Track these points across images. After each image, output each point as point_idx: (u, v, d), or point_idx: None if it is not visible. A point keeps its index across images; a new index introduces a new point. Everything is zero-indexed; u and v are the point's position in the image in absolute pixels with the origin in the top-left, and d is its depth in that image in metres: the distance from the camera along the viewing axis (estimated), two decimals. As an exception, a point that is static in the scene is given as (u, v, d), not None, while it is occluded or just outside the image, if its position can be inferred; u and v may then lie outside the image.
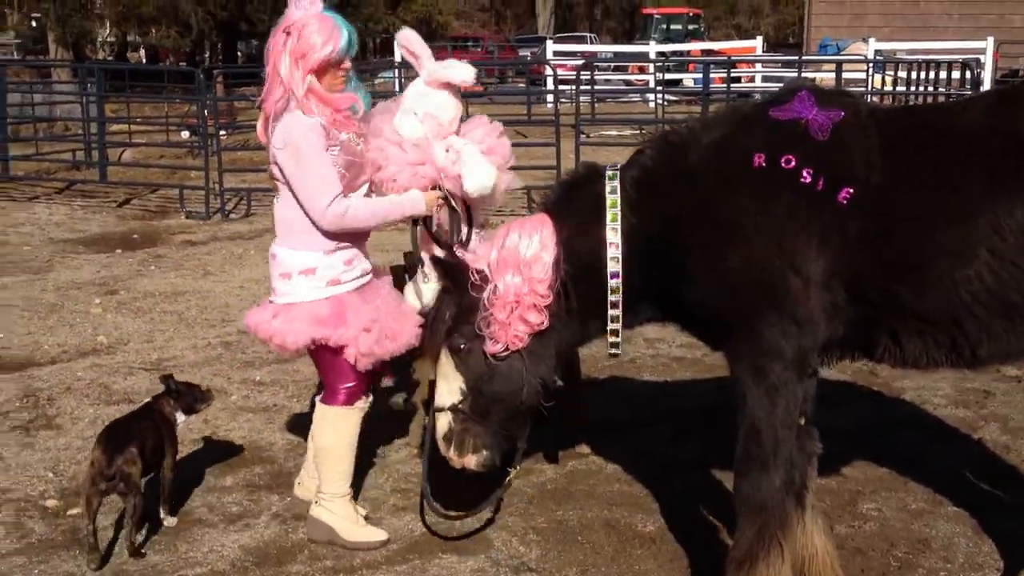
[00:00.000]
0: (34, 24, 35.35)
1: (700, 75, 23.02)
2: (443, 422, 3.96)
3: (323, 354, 4.24)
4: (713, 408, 5.90)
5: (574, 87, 17.24)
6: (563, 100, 16.25)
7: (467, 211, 4.37)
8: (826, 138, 3.48)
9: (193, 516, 4.68)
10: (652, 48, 28.90)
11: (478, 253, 3.92)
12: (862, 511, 4.67)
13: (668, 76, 24.76)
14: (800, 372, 3.54)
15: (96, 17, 31.56)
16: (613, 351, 3.90)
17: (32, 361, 6.92)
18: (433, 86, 4.34)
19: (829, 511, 4.61)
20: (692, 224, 3.58)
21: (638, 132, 20.37)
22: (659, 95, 20.99)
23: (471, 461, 3.95)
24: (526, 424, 4.06)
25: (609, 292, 3.74)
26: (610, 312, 3.77)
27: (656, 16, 38.50)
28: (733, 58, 23.13)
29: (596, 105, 19.97)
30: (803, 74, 17.13)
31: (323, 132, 4.03)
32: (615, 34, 54.48)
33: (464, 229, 4.37)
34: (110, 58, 33.04)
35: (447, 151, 4.27)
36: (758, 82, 25.87)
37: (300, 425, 5.65)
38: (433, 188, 4.27)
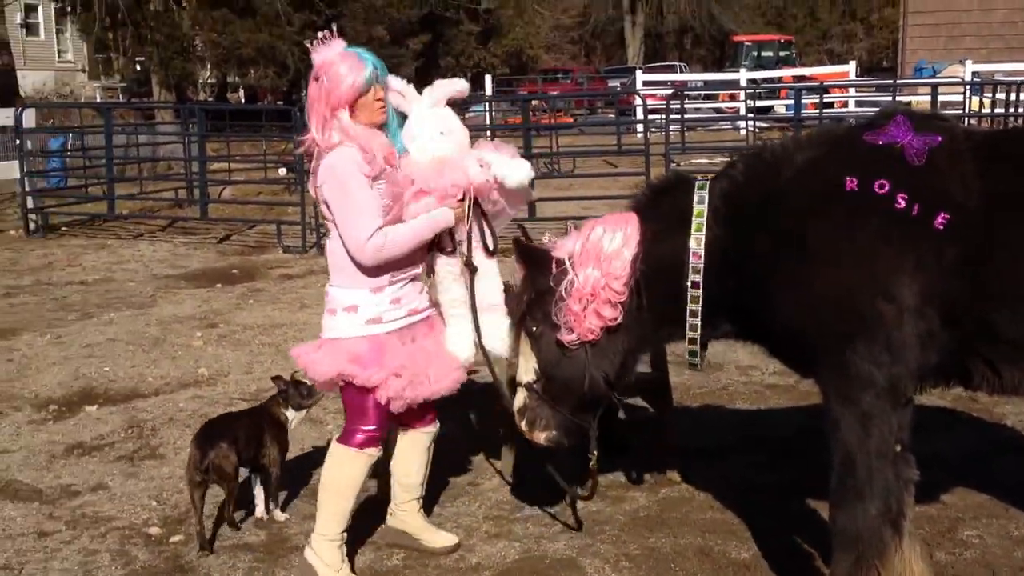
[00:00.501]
0: (138, 67, 36.69)
1: (792, 101, 22.84)
2: (520, 397, 4.25)
3: (350, 392, 4.26)
4: (807, 435, 5.81)
5: (664, 116, 17.24)
6: (653, 129, 16.24)
7: (487, 220, 4.43)
8: (922, 163, 3.44)
9: (290, 543, 4.77)
10: (743, 75, 28.72)
11: (562, 244, 4.02)
12: (963, 538, 4.55)
13: (759, 103, 24.58)
14: (894, 400, 3.48)
15: (197, 60, 32.65)
16: (692, 360, 3.97)
17: (136, 393, 7.15)
18: (439, 104, 4.42)
19: (928, 538, 4.50)
20: (779, 244, 3.56)
21: (729, 160, 20.27)
22: (750, 122, 20.84)
23: (540, 437, 4.23)
24: (595, 414, 4.22)
25: (689, 300, 3.77)
26: (689, 320, 3.80)
27: (747, 44, 38.28)
28: (826, 83, 22.83)
29: (686, 133, 19.91)
30: (898, 98, 16.81)
31: (365, 163, 4.05)
32: (705, 63, 54.27)
33: (488, 236, 4.41)
34: (210, 99, 34.11)
35: (480, 165, 4.29)
36: (851, 107, 25.48)
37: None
38: (460, 201, 4.28)
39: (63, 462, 5.89)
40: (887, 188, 3.42)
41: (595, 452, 4.34)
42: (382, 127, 4.19)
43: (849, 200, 3.45)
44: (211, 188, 15.89)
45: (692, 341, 3.87)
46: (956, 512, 4.79)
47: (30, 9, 42.06)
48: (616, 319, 3.86)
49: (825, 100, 20.84)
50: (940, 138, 3.49)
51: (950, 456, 5.37)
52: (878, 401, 3.45)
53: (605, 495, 5.15)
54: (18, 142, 15.10)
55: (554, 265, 3.95)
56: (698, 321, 3.80)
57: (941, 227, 3.36)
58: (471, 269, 4.35)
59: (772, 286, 3.58)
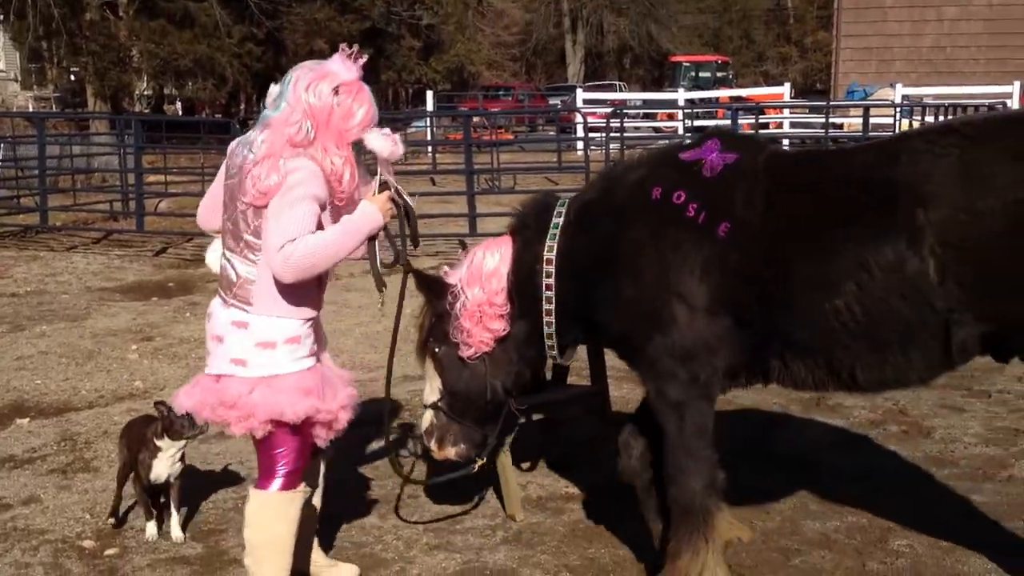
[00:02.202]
0: (72, 78, 36.12)
1: (728, 121, 23.17)
2: (427, 417, 4.54)
3: (280, 433, 3.83)
4: (741, 447, 5.91)
5: (604, 134, 17.40)
6: (593, 147, 16.39)
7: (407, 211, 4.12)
8: (714, 176, 3.80)
9: (228, 556, 4.73)
10: (681, 95, 29.09)
11: (454, 271, 4.39)
12: (894, 547, 4.65)
13: (697, 123, 24.91)
14: (702, 391, 3.87)
15: (133, 71, 32.21)
16: (551, 355, 4.34)
17: (70, 406, 7.04)
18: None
19: (860, 547, 4.60)
20: (602, 252, 3.98)
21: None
22: (688, 141, 21.12)
23: (450, 453, 4.53)
24: (497, 421, 4.54)
25: (544, 301, 4.18)
26: (544, 319, 4.21)
27: (684, 64, 38.82)
28: (761, 104, 23.23)
29: (626, 152, 20.11)
30: (831, 119, 17.17)
31: (325, 186, 3.75)
32: (644, 82, 54.86)
33: (407, 227, 4.12)
34: (147, 111, 33.67)
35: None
36: (786, 128, 25.97)
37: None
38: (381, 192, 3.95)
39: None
40: (683, 198, 3.79)
41: (483, 458, 4.65)
42: None
43: (653, 210, 3.85)
44: (147, 200, 15.70)
45: (549, 336, 4.26)
46: (887, 522, 4.89)
47: (-39, 16, 41.22)
48: (504, 329, 4.29)
49: (760, 120, 21.19)
50: (738, 156, 3.83)
51: (881, 467, 5.50)
52: (685, 392, 3.84)
53: (544, 506, 5.19)
54: (-52, 151, 14.81)
55: (448, 290, 4.34)
56: (552, 319, 4.20)
57: (723, 235, 3.70)
58: (407, 269, 4.15)
59: (597, 291, 4.01)
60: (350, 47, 3.86)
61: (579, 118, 18.11)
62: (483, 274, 4.25)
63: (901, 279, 3.51)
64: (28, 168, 16.98)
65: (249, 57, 32.38)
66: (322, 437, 3.95)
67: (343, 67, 3.79)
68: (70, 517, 5.18)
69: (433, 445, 4.53)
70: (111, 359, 8.22)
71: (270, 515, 3.93)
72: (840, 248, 3.58)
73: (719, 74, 37.85)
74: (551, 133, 28.29)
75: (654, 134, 28.09)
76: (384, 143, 3.84)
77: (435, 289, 4.38)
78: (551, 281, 4.14)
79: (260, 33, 33.00)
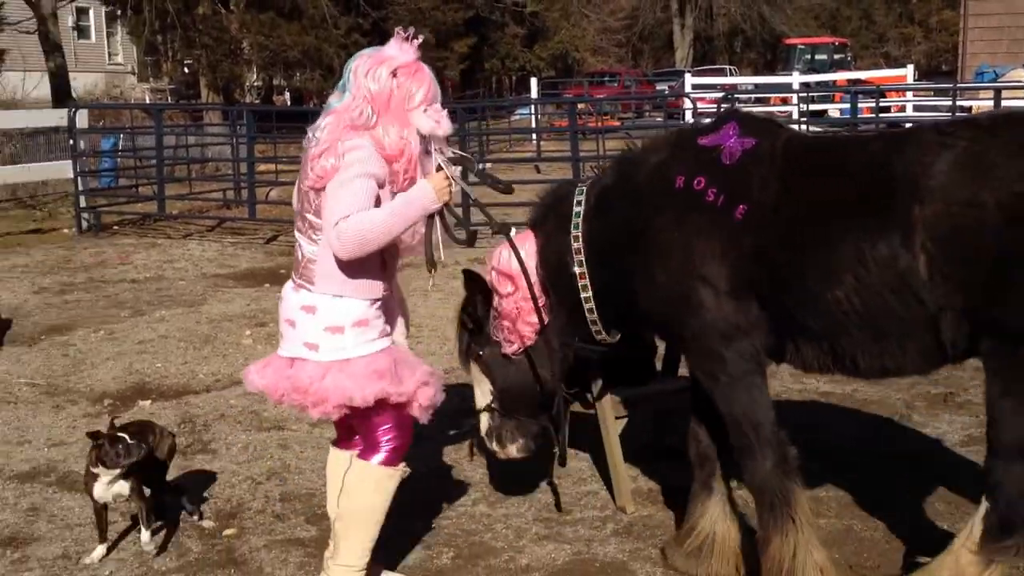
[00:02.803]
0: (186, 70, 37.12)
1: (846, 105, 22.54)
2: (484, 421, 4.62)
3: (377, 410, 3.88)
4: (863, 445, 5.74)
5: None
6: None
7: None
8: (733, 163, 3.84)
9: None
10: (795, 79, 28.43)
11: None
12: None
13: (812, 107, 24.32)
14: (751, 368, 3.86)
15: (244, 62, 32.94)
16: (599, 338, 4.38)
17: (188, 389, 7.21)
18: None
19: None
20: (632, 240, 4.01)
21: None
22: (802, 126, 20.64)
23: (511, 451, 4.60)
24: (553, 411, 4.54)
25: (580, 289, 4.23)
26: (584, 305, 4.26)
27: (800, 46, 37.76)
28: (882, 87, 22.53)
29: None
30: (958, 102, 16.57)
31: (383, 167, 3.76)
32: (756, 66, 53.90)
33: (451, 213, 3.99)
34: (256, 101, 34.39)
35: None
36: (909, 111, 25.16)
37: (443, 454, 5.73)
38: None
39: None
40: (703, 184, 3.84)
41: (559, 445, 4.61)
42: None
43: (676, 196, 3.90)
44: (259, 189, 16.02)
45: (593, 323, 4.31)
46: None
47: (81, 12, 42.69)
48: (543, 321, 4.35)
49: (881, 104, 20.56)
50: (755, 141, 3.86)
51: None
52: (732, 370, 3.84)
53: (655, 499, 5.11)
54: (71, 142, 15.31)
55: (487, 291, 4.45)
56: (592, 305, 4.25)
57: (740, 217, 3.75)
58: (430, 266, 3.89)
59: (628, 278, 4.05)
60: (404, 31, 3.87)
61: (688, 103, 17.82)
62: (513, 272, 4.29)
63: (894, 274, 3.54)
64: (146, 158, 17.49)
65: (355, 48, 32.52)
66: (418, 415, 3.96)
67: (400, 50, 3.84)
68: (189, 497, 5.28)
69: (495, 447, 4.62)
70: (227, 344, 8.40)
71: (369, 486, 3.97)
72: (843, 239, 3.61)
73: (836, 56, 36.71)
74: (658, 119, 27.96)
75: (765, 119, 27.59)
76: (425, 121, 3.79)
77: (478, 289, 4.48)
78: (583, 270, 4.21)
79: (366, 24, 33.38)
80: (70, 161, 15.28)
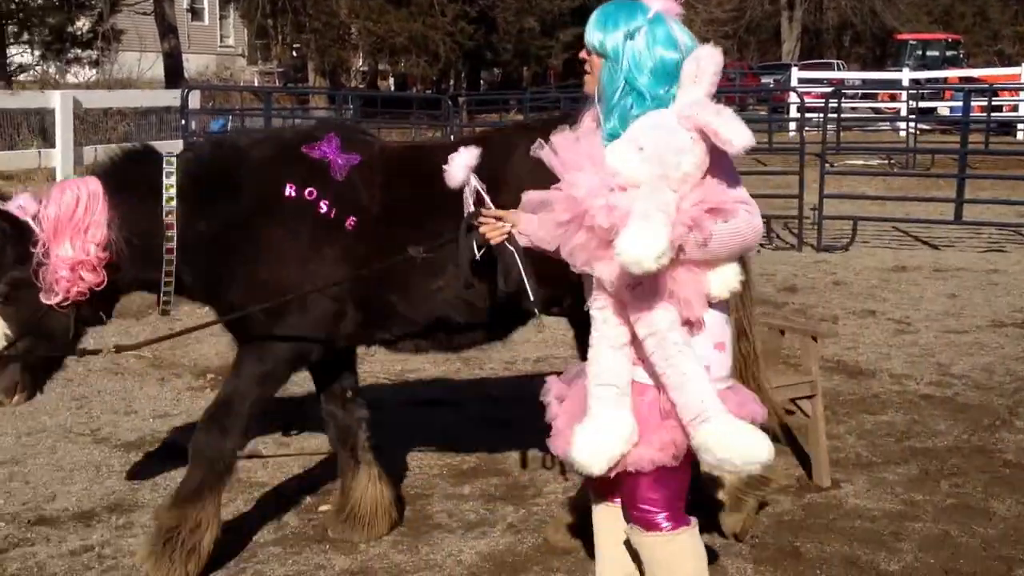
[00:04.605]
0: (295, 54, 37.81)
1: (956, 103, 21.97)
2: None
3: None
4: (964, 450, 5.62)
5: (820, 115, 16.83)
6: (808, 128, 15.85)
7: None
8: (343, 177, 4.14)
9: (434, 520, 4.86)
10: (906, 75, 27.75)
11: (26, 205, 4.04)
12: None
13: (922, 104, 23.72)
14: (292, 363, 4.29)
15: (351, 47, 33.43)
16: (164, 308, 4.31)
17: (289, 367, 7.36)
18: (685, 123, 2.98)
19: None
20: (238, 240, 4.14)
21: (886, 161, 19.66)
22: (911, 123, 20.16)
23: (17, 399, 4.21)
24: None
25: (165, 264, 4.15)
26: (164, 279, 4.18)
27: (911, 42, 36.90)
28: (995, 86, 21.87)
29: (841, 133, 19.37)
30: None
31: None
32: (863, 61, 52.63)
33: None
34: (362, 86, 34.86)
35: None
36: (1022, 111, 24.39)
37: (533, 441, 5.76)
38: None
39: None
40: (315, 195, 4.10)
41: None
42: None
43: (287, 205, 4.11)
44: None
45: (166, 295, 4.24)
46: None
47: (196, -6, 43.79)
48: (101, 283, 4.06)
49: (993, 103, 19.98)
50: (360, 157, 4.19)
51: None
52: (274, 365, 4.23)
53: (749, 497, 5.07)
54: (183, 122, 15.71)
55: (27, 230, 4.01)
56: (172, 279, 4.20)
57: (351, 228, 4.09)
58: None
59: (226, 273, 4.17)
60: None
61: (793, 97, 17.53)
62: (79, 223, 3.97)
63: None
64: (254, 139, 17.84)
65: (461, 35, 33.01)
66: None
67: None
68: (287, 472, 5.43)
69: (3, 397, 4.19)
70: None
71: (683, 560, 3.24)
72: (442, 232, 3.82)
73: (948, 53, 35.79)
74: (762, 113, 27.56)
75: (873, 115, 27.01)
76: (733, 132, 2.97)
77: (15, 225, 4.02)
78: (172, 246, 4.13)
79: (473, 11, 33.56)
80: (180, 141, 15.69)
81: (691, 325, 3.01)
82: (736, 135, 2.92)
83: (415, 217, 4.12)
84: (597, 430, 3.01)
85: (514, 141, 4.05)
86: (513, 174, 3.88)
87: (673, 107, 3.02)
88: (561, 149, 3.08)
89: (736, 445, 2.91)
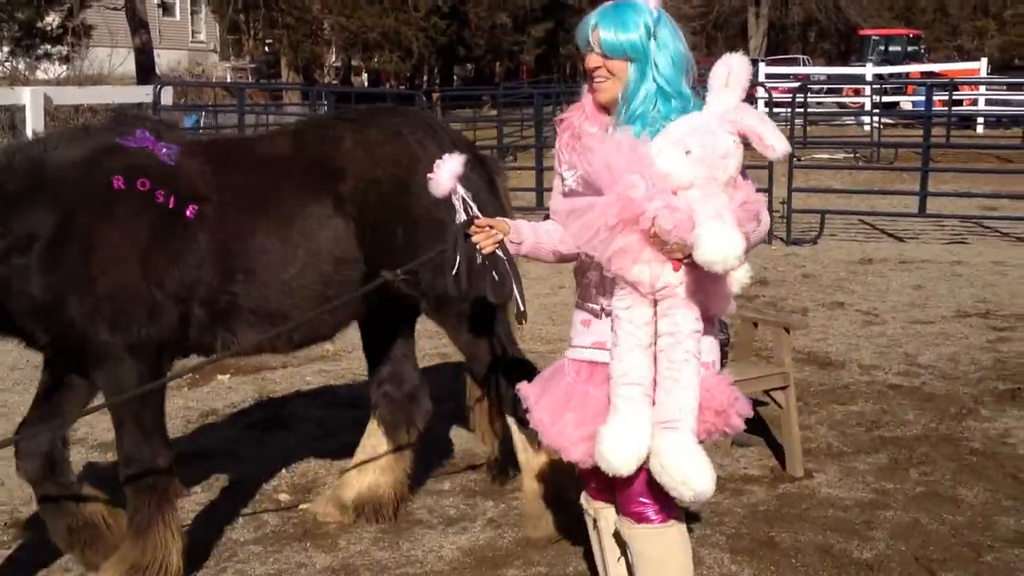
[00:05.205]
0: (267, 49, 37.62)
1: (918, 98, 22.22)
2: None
3: None
4: (931, 438, 5.74)
5: (787, 110, 16.99)
6: (776, 123, 15.98)
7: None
8: (174, 164, 3.98)
9: (414, 517, 4.92)
10: (869, 70, 28.04)
11: None
12: None
13: (885, 99, 23.98)
14: (150, 365, 3.96)
15: (324, 43, 33.35)
16: None
17: (265, 365, 7.39)
18: (727, 127, 3.04)
19: None
20: (63, 237, 3.80)
21: (852, 155, 19.90)
22: (875, 118, 20.39)
23: None
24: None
25: None
26: None
27: (874, 38, 37.38)
28: (956, 80, 22.16)
29: (808, 128, 19.56)
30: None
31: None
32: (829, 56, 53.08)
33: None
34: (335, 82, 34.78)
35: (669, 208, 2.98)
36: (981, 105, 24.71)
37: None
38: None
39: (197, 427, 6.15)
40: (148, 186, 3.89)
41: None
42: (610, 108, 3.20)
43: (118, 197, 3.86)
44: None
45: None
46: None
47: (167, -10, 43.44)
48: None
49: (954, 97, 20.25)
50: (179, 146, 4.06)
51: None
52: (135, 376, 3.88)
53: (724, 487, 5.15)
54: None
55: None
56: None
57: (192, 216, 3.92)
58: (519, 318, 3.40)
59: (50, 275, 3.79)
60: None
61: (761, 92, 17.68)
62: None
63: (335, 246, 4.10)
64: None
65: (434, 31, 33.05)
66: None
67: None
68: (265, 471, 5.47)
69: None
70: (302, 322, 8.57)
71: (676, 552, 3.30)
72: (291, 222, 4.04)
73: (910, 48, 36.28)
74: (732, 108, 27.70)
75: (839, 110, 27.25)
76: (775, 139, 3.08)
77: None
78: None
79: (445, 7, 33.57)
80: (153, 138, 15.60)
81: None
82: (779, 141, 3.03)
83: (255, 204, 4.05)
84: (628, 430, 3.01)
85: (339, 132, 4.30)
86: (342, 162, 4.17)
87: (709, 110, 3.07)
88: (608, 153, 3.00)
89: (684, 465, 2.94)
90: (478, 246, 3.13)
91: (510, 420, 4.50)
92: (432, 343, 7.38)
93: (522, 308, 3.33)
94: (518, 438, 4.50)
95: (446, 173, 3.20)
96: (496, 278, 3.27)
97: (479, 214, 3.20)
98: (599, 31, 3.10)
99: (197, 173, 4.02)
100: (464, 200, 3.22)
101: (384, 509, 4.80)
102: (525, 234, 3.20)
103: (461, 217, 3.21)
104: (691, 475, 2.94)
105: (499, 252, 3.18)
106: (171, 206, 3.89)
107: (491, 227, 3.14)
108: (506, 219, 3.25)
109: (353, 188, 4.15)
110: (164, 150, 4.00)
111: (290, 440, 5.92)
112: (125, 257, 3.84)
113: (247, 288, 4.02)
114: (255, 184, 4.10)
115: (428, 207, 4.03)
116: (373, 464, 4.83)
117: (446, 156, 3.23)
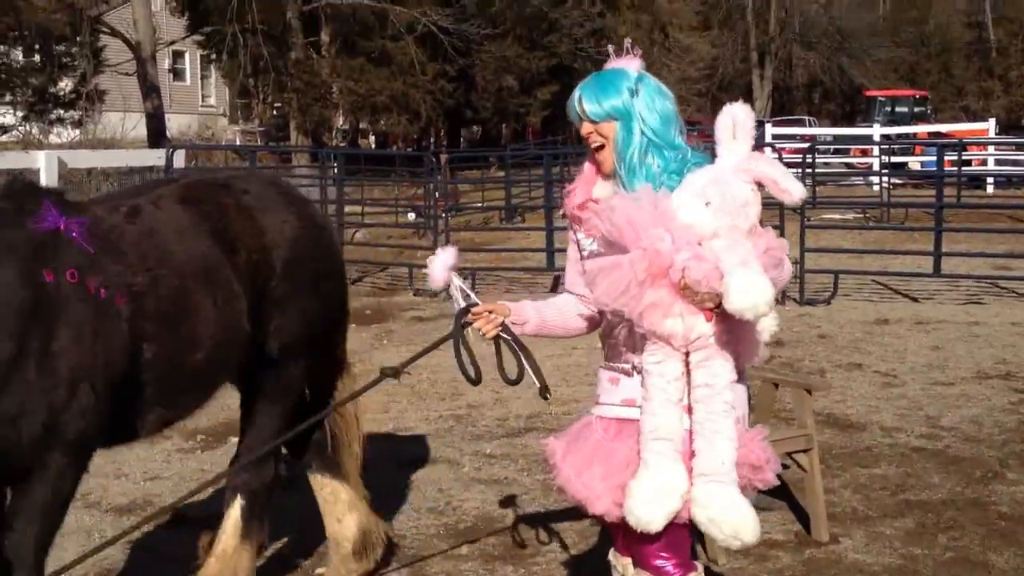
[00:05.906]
0: (276, 113, 38.01)
1: (927, 158, 22.31)
2: None
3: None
4: (958, 502, 5.63)
5: (797, 170, 17.04)
6: (785, 183, 16.06)
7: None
8: (94, 249, 3.53)
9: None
10: (876, 130, 28.21)
11: None
12: None
13: (893, 159, 24.10)
14: (81, 459, 3.60)
15: (333, 106, 33.69)
16: None
17: (279, 426, 7.31)
18: (743, 176, 3.06)
19: None
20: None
21: (862, 215, 19.90)
22: (884, 178, 20.46)
23: None
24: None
25: None
26: None
27: (880, 99, 37.66)
28: (964, 140, 22.28)
29: (817, 188, 19.61)
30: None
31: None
32: (834, 117, 53.42)
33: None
34: (343, 144, 35.06)
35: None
36: (991, 165, 24.81)
37: (532, 499, 5.75)
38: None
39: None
40: (77, 277, 3.45)
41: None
42: (610, 174, 3.22)
43: (51, 293, 3.37)
44: (344, 230, 16.27)
45: None
46: None
47: (177, 55, 44.04)
48: None
49: (964, 157, 20.34)
50: (87, 219, 3.61)
51: None
52: (72, 476, 3.60)
53: (748, 552, 5.05)
54: (167, 181, 15.69)
55: None
56: None
57: (120, 305, 3.54)
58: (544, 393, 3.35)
59: None
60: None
61: (770, 152, 17.76)
62: None
63: (237, 320, 3.92)
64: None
65: (441, 93, 33.38)
66: None
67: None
68: (279, 533, 5.37)
69: None
70: (315, 383, 8.51)
71: None
72: (197, 303, 3.81)
73: (917, 109, 36.58)
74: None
75: (847, 171, 27.37)
76: (792, 187, 3.08)
77: None
78: None
79: (452, 70, 33.93)
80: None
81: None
82: (795, 186, 3.05)
83: (179, 282, 3.76)
84: (658, 486, 2.98)
85: (167, 198, 4.00)
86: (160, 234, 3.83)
87: (722, 162, 3.09)
88: (630, 210, 3.01)
89: (737, 520, 2.96)
90: (480, 332, 3.17)
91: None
92: (446, 404, 7.31)
93: (540, 384, 3.31)
94: None
95: (440, 267, 3.23)
96: (507, 360, 3.27)
97: (477, 300, 3.22)
98: (584, 102, 3.18)
99: (116, 257, 3.64)
100: (461, 289, 3.25)
101: (379, 532, 4.81)
102: (529, 315, 3.24)
103: (460, 305, 3.23)
104: (743, 529, 2.97)
105: (503, 335, 3.20)
106: (101, 297, 3.51)
107: (491, 312, 3.18)
108: (506, 303, 3.27)
109: (245, 260, 4.03)
110: (76, 230, 3.53)
111: (293, 499, 5.82)
112: (60, 351, 3.41)
113: (162, 376, 3.76)
114: (167, 257, 3.80)
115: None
116: (340, 508, 4.82)
117: (439, 250, 3.26)
